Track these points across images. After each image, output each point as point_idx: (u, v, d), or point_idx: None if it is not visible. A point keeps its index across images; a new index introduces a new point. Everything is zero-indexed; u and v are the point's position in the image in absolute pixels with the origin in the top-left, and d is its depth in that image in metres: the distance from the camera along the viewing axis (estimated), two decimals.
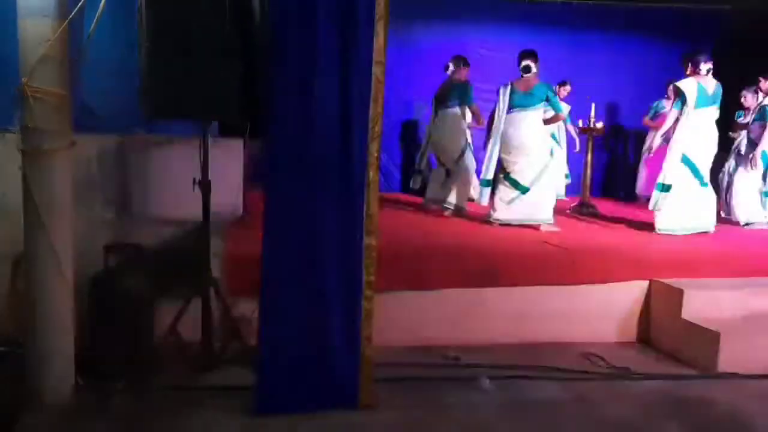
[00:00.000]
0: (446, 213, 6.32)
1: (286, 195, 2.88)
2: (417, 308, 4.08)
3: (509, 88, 5.68)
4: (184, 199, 3.48)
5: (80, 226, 3.20)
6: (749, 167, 6.30)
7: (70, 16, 2.84)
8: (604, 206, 7.20)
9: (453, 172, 6.39)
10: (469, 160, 6.46)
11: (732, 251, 4.97)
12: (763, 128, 6.19)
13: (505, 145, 5.65)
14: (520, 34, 8.53)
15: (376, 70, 2.84)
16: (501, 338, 4.14)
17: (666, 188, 5.38)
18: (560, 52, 8.47)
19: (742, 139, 6.64)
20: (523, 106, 5.61)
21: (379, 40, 2.82)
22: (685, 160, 5.38)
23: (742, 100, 6.73)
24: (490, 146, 5.78)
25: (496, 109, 5.77)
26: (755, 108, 6.44)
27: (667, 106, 7.57)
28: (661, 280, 4.33)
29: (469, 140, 6.66)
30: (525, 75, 5.64)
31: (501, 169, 5.73)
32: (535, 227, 5.50)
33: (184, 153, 3.61)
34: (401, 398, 3.25)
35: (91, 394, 3.07)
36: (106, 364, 3.22)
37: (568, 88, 8.03)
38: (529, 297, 4.23)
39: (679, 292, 4.11)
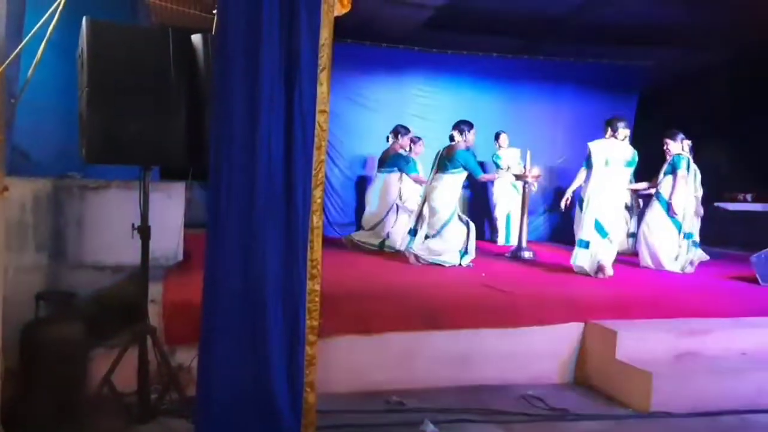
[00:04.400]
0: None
1: (228, 240, 2.86)
2: (360, 353, 4.07)
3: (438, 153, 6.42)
4: (122, 245, 3.42)
5: (11, 273, 3.09)
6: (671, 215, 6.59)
7: (6, 62, 2.80)
8: (541, 251, 7.42)
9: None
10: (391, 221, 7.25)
11: (661, 293, 5.19)
12: (675, 178, 6.43)
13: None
14: (458, 84, 8.87)
15: (320, 118, 2.88)
16: (444, 381, 4.16)
17: (585, 244, 5.85)
18: (497, 102, 8.83)
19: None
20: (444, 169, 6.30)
21: (322, 89, 2.88)
22: (597, 225, 5.82)
23: (665, 147, 7.01)
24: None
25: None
26: (665, 163, 6.69)
27: None
28: (596, 321, 4.46)
29: (400, 202, 7.34)
30: (450, 143, 6.37)
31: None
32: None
33: (122, 197, 3.56)
34: None
35: None
36: (36, 417, 3.08)
37: (504, 136, 8.34)
38: (470, 339, 4.28)
39: (613, 334, 4.24)
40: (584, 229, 5.86)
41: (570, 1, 7.15)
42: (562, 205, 6.48)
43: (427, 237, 6.33)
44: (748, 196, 8.07)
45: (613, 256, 5.90)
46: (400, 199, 7.34)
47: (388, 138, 7.35)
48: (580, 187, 6.14)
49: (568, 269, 6.07)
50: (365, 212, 7.64)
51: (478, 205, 9.12)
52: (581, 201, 6.01)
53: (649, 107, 9.04)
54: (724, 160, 8.02)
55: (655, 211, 6.56)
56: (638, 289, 5.36)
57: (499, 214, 8.68)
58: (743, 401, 3.93)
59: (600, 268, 5.76)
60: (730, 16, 7.08)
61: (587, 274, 5.80)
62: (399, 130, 7.32)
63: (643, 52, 8.94)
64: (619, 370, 4.13)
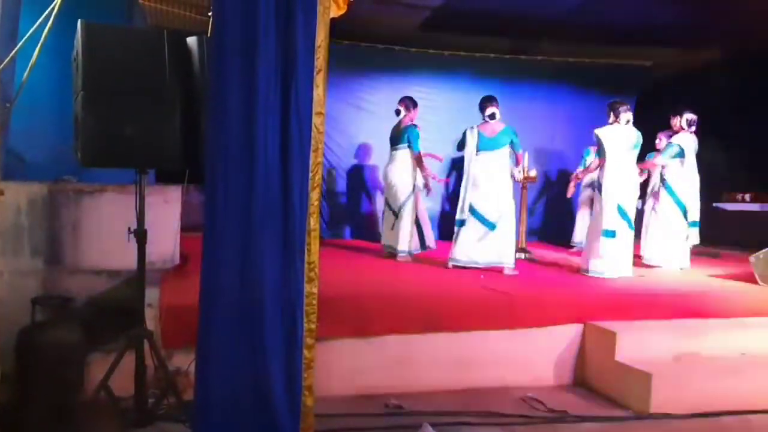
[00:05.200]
0: (400, 259, 6.38)
1: (225, 243, 2.85)
2: (358, 356, 4.06)
3: (476, 131, 5.97)
4: (118, 249, 3.40)
5: (7, 278, 3.07)
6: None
7: (2, 66, 2.78)
8: (540, 251, 7.41)
9: (400, 216, 6.44)
10: (414, 204, 6.50)
11: (660, 294, 5.17)
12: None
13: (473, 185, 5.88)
14: (455, 85, 8.86)
15: (316, 121, 2.87)
16: (442, 384, 4.15)
17: (611, 234, 5.65)
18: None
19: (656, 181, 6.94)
20: (490, 148, 5.88)
21: (318, 92, 2.87)
22: (620, 211, 5.69)
23: (657, 142, 7.03)
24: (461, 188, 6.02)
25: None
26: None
27: (593, 152, 8.04)
28: (595, 323, 4.45)
29: (419, 184, 6.63)
30: (491, 121, 5.96)
31: (469, 206, 5.89)
32: (499, 269, 5.70)
33: (118, 201, 3.55)
34: None
35: None
36: (32, 422, 3.06)
37: None
38: (469, 342, 4.27)
39: (612, 335, 4.23)
40: (607, 218, 5.66)
41: (567, 1, 7.14)
42: (569, 193, 6.42)
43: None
44: (747, 196, 8.07)
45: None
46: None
47: (397, 111, 6.70)
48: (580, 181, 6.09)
49: (566, 270, 6.06)
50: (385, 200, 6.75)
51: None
52: (600, 188, 5.82)
53: (646, 107, 9.04)
54: (722, 160, 8.01)
55: (664, 200, 6.55)
56: (637, 289, 5.34)
57: None
58: (743, 402, 3.92)
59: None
60: (728, 15, 7.07)
61: (600, 275, 5.60)
62: (407, 102, 6.67)
63: (641, 53, 8.94)
64: (619, 371, 4.12)
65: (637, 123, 6.05)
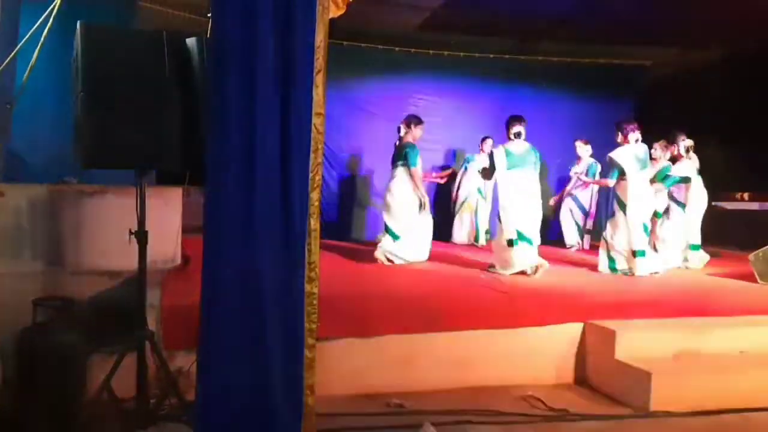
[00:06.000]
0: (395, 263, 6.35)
1: (226, 244, 2.85)
2: (359, 356, 4.07)
3: (502, 150, 5.94)
4: (119, 250, 3.40)
5: (8, 279, 3.07)
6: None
7: (1, 68, 2.79)
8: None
9: (404, 234, 6.36)
10: (423, 221, 6.50)
11: (660, 293, 5.19)
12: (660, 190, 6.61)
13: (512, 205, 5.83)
14: (454, 85, 8.88)
15: (316, 121, 2.88)
16: (443, 383, 4.15)
17: (642, 253, 5.88)
18: (493, 103, 8.83)
19: None
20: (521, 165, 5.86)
21: (318, 92, 2.87)
22: (645, 229, 5.94)
23: (652, 151, 7.02)
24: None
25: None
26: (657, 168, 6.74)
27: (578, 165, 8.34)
28: (595, 321, 4.46)
29: (425, 200, 6.52)
30: (516, 139, 5.93)
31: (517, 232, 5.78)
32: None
33: (118, 202, 3.55)
34: None
35: None
36: (34, 424, 3.06)
37: (489, 142, 8.27)
38: (469, 341, 4.27)
39: (612, 333, 4.24)
40: (636, 239, 5.88)
41: (566, 1, 7.15)
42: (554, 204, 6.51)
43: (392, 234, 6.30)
44: (746, 195, 8.09)
45: None
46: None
47: (399, 129, 6.74)
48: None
49: (565, 268, 6.06)
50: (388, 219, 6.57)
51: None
52: (623, 208, 5.97)
53: (646, 107, 9.06)
54: (721, 159, 8.03)
55: (675, 215, 6.75)
56: (637, 288, 5.36)
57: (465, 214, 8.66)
58: (743, 400, 3.92)
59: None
60: (728, 15, 7.08)
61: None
62: (411, 120, 6.62)
63: (641, 53, 8.95)
64: (619, 369, 4.12)
65: (636, 121, 6.10)
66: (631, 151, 5.98)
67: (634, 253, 5.87)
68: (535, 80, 9.07)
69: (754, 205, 7.84)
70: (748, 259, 5.85)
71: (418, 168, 6.43)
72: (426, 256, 6.50)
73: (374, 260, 6.32)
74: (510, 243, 5.77)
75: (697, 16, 7.21)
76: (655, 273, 5.93)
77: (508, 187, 5.87)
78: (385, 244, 6.38)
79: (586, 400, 4.14)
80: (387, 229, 6.43)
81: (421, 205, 6.45)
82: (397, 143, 6.69)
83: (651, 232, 6.26)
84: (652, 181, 6.40)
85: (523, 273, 5.75)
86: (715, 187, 7.24)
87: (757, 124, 8.01)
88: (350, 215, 8.93)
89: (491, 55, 8.93)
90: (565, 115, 9.10)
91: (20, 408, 3.10)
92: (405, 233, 6.33)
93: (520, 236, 5.73)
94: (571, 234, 8.38)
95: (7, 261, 3.03)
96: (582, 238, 8.38)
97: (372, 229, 8.54)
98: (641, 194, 5.96)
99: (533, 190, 5.88)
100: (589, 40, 8.41)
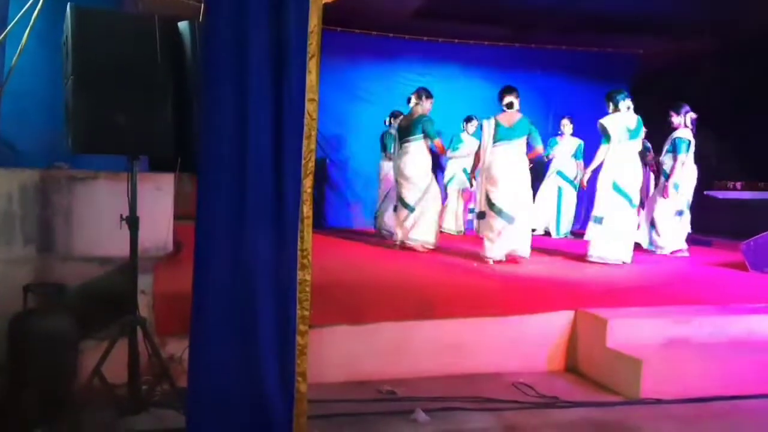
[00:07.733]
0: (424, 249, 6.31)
1: (218, 230, 2.84)
2: (351, 342, 4.07)
3: (493, 121, 5.85)
4: (111, 236, 3.39)
5: None
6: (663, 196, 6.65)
7: None
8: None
9: (418, 209, 6.33)
10: (435, 194, 6.45)
11: (651, 281, 5.21)
12: (674, 160, 6.54)
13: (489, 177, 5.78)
14: (448, 72, 8.84)
15: (309, 107, 2.86)
16: (435, 370, 4.17)
17: (599, 220, 5.79)
18: (487, 90, 8.78)
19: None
20: (508, 139, 5.76)
21: (311, 78, 2.85)
22: (615, 188, 5.76)
23: (671, 118, 6.80)
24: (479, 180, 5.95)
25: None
26: (668, 140, 6.77)
27: (560, 141, 8.25)
28: (587, 310, 4.48)
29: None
30: (508, 110, 5.83)
31: (487, 200, 5.77)
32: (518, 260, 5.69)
33: (110, 188, 3.53)
34: None
35: None
36: (25, 410, 3.05)
37: (474, 123, 8.23)
38: (461, 328, 4.28)
39: (604, 321, 4.26)
40: (598, 204, 5.86)
41: None
42: (584, 184, 6.47)
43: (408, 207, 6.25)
44: (738, 185, 8.11)
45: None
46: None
47: (409, 100, 6.61)
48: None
49: (557, 257, 6.08)
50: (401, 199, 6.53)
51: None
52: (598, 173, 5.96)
53: (639, 95, 9.05)
54: (713, 149, 8.04)
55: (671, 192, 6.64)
56: (628, 276, 5.38)
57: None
58: (733, 387, 3.95)
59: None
60: (721, 5, 7.07)
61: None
62: (422, 92, 6.50)
63: (634, 41, 8.94)
64: (610, 357, 4.15)
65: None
66: (621, 118, 5.90)
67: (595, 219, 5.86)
68: (528, 68, 9.05)
69: (746, 195, 7.86)
70: (741, 247, 5.89)
71: (440, 139, 6.39)
72: (433, 239, 6.41)
73: (368, 246, 6.35)
74: (480, 215, 5.77)
75: (690, 6, 7.21)
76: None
77: (491, 159, 5.78)
78: (408, 222, 6.30)
79: (577, 387, 4.17)
80: (402, 203, 6.36)
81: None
82: (402, 119, 6.60)
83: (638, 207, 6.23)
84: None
85: (499, 261, 5.64)
86: (706, 176, 7.26)
87: (749, 114, 8.03)
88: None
89: (485, 43, 8.90)
90: (558, 102, 9.10)
91: (11, 394, 3.09)
92: (419, 204, 6.28)
93: (496, 210, 5.63)
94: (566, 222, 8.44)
95: None
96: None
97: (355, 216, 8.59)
98: (621, 161, 5.82)
99: (520, 166, 5.75)
100: (582, 28, 8.39)
